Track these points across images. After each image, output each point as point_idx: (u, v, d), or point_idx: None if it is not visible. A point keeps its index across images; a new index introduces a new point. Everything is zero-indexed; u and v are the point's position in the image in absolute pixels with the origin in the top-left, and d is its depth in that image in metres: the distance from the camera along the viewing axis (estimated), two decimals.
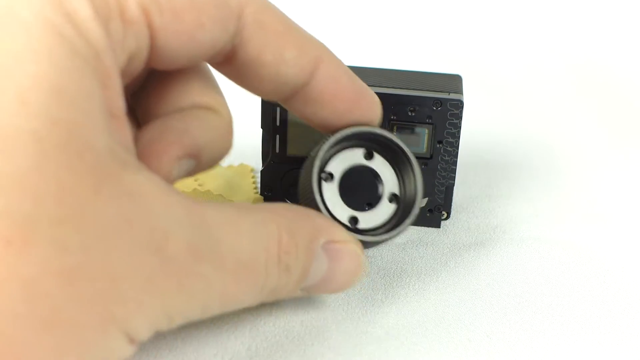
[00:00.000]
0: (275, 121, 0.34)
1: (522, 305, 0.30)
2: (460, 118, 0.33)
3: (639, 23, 0.63)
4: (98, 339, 0.19)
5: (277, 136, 0.34)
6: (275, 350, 0.26)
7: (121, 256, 0.19)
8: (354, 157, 0.28)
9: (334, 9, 0.65)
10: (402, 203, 0.28)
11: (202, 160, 0.25)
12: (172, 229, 0.20)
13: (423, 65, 0.46)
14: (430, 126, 0.33)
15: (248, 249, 0.22)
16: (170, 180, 0.23)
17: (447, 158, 0.34)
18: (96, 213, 0.18)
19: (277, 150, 0.34)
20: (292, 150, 0.34)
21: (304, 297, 0.26)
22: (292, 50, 0.24)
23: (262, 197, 0.36)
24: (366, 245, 0.27)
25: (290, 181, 0.35)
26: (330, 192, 0.28)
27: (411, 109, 0.33)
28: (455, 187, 0.35)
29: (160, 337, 0.27)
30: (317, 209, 0.27)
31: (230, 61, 0.25)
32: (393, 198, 0.28)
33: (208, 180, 0.37)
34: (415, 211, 0.28)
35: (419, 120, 0.33)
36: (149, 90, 0.26)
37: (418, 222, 0.35)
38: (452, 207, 0.36)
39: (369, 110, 0.27)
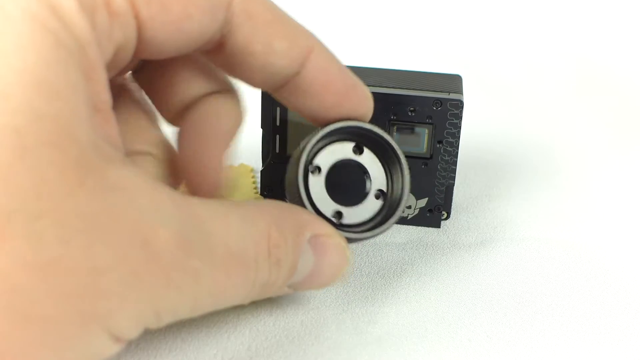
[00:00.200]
0: (275, 121, 0.34)
1: (522, 305, 0.30)
2: (460, 118, 0.33)
3: (639, 23, 0.63)
4: (78, 335, 0.19)
5: (277, 136, 0.34)
6: (275, 350, 0.26)
7: (103, 250, 0.18)
8: (343, 151, 0.28)
9: (334, 9, 0.65)
10: (389, 200, 0.28)
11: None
12: (160, 222, 0.20)
13: (423, 65, 0.46)
14: (430, 126, 0.33)
15: (238, 242, 0.22)
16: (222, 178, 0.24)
17: (447, 158, 0.34)
18: (77, 206, 0.18)
19: (277, 150, 0.34)
20: (292, 150, 0.34)
21: (290, 293, 0.26)
22: (282, 40, 0.24)
23: (262, 197, 0.36)
24: (349, 241, 0.27)
25: None
26: (317, 186, 0.27)
27: (411, 109, 0.33)
28: (455, 187, 0.35)
29: (160, 337, 0.27)
30: (301, 202, 0.26)
31: (220, 50, 0.24)
32: (380, 195, 0.28)
33: None
34: (400, 210, 0.27)
35: (419, 120, 0.33)
36: (155, 84, 0.26)
37: (418, 222, 0.35)
38: (452, 207, 0.36)
39: (359, 104, 0.27)
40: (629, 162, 0.43)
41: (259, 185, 0.37)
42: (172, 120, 0.27)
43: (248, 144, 0.36)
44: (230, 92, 0.27)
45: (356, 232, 0.27)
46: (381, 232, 0.27)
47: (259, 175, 0.37)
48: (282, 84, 0.26)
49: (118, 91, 0.26)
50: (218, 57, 0.25)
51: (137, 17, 0.21)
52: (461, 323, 0.29)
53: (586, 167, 0.42)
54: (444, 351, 0.27)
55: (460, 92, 0.33)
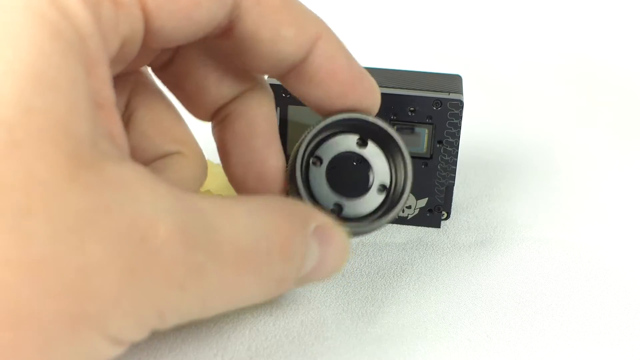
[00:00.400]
0: None
1: (522, 305, 0.30)
2: (460, 118, 0.33)
3: (639, 23, 0.63)
4: (67, 337, 0.18)
5: None
6: (275, 350, 0.26)
7: (96, 247, 0.17)
8: (347, 143, 0.27)
9: (334, 9, 0.65)
10: (391, 194, 0.27)
11: None
12: (160, 216, 0.18)
13: (423, 65, 0.46)
14: (430, 126, 0.33)
15: (247, 237, 0.21)
16: None
17: (447, 158, 0.34)
18: (69, 203, 0.17)
19: None
20: (292, 150, 0.34)
21: (294, 288, 0.26)
22: (290, 27, 0.24)
23: None
24: (351, 234, 0.26)
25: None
26: (317, 177, 0.27)
27: (411, 109, 0.33)
28: (455, 187, 0.35)
29: (160, 337, 0.27)
30: (299, 194, 0.26)
31: (227, 36, 0.24)
32: (382, 189, 0.28)
33: (208, 180, 0.37)
34: (401, 204, 0.27)
35: (419, 120, 0.33)
36: (186, 84, 0.26)
37: (418, 222, 0.35)
38: (452, 207, 0.36)
39: (365, 96, 0.26)
40: (629, 162, 0.43)
41: None
42: (203, 117, 0.28)
43: None
44: (262, 87, 0.27)
45: (356, 225, 0.27)
46: (380, 226, 0.27)
47: None
48: (289, 70, 0.25)
49: (141, 91, 0.26)
50: (225, 43, 0.24)
51: (143, 8, 0.21)
52: (461, 323, 0.29)
53: (586, 167, 0.42)
54: (444, 351, 0.27)
55: (460, 92, 0.33)
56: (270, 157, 0.27)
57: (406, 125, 0.33)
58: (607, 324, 0.29)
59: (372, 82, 0.26)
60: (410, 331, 0.28)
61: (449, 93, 0.33)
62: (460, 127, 0.33)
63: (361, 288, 0.30)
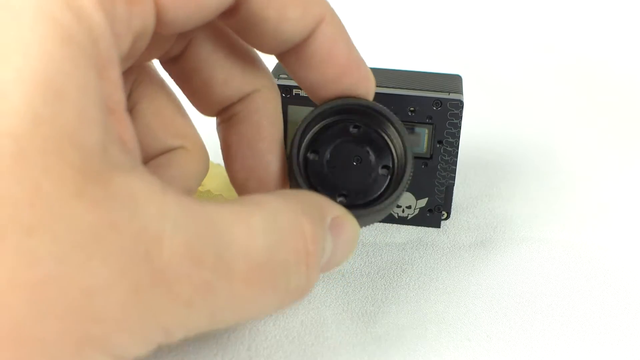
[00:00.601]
0: None
1: (522, 305, 0.30)
2: (460, 118, 0.33)
3: (639, 23, 0.63)
4: (71, 358, 0.17)
5: None
6: (275, 350, 0.26)
7: (101, 267, 0.17)
8: (343, 131, 0.27)
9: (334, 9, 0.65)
10: (395, 174, 0.27)
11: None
12: (167, 231, 0.18)
13: (423, 65, 0.46)
14: (430, 126, 0.33)
15: (264, 248, 0.20)
16: None
17: (447, 158, 0.34)
18: (74, 219, 0.17)
19: None
20: None
21: None
22: (296, 8, 0.23)
23: None
24: (361, 222, 0.26)
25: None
26: (319, 171, 0.27)
27: (411, 109, 0.33)
28: (455, 187, 0.35)
29: None
30: (309, 187, 0.26)
31: (232, 15, 0.23)
32: (385, 170, 0.27)
33: (208, 180, 0.37)
34: (406, 180, 0.26)
35: (419, 120, 0.33)
36: (194, 80, 0.26)
37: (418, 222, 0.35)
38: (452, 207, 0.36)
39: (359, 82, 0.26)
40: (629, 162, 0.43)
41: None
42: (209, 114, 0.27)
43: None
44: (271, 90, 0.27)
45: (366, 212, 0.26)
46: (391, 204, 0.26)
47: None
48: (289, 49, 0.25)
49: (147, 85, 0.26)
50: (229, 21, 0.24)
51: (157, 1, 0.20)
52: (461, 323, 0.29)
53: (586, 167, 0.42)
54: (444, 351, 0.27)
55: (460, 92, 0.33)
56: (273, 162, 0.27)
57: (406, 125, 0.33)
58: (607, 324, 0.29)
59: (368, 70, 0.26)
60: (410, 331, 0.28)
61: (449, 93, 0.33)
62: (460, 127, 0.33)
63: (361, 288, 0.30)
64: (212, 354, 0.26)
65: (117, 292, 0.17)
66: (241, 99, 0.27)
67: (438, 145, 0.33)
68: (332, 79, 0.25)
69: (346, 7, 0.65)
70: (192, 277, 0.18)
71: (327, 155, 0.27)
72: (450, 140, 0.33)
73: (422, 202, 0.35)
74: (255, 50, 0.26)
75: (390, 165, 0.27)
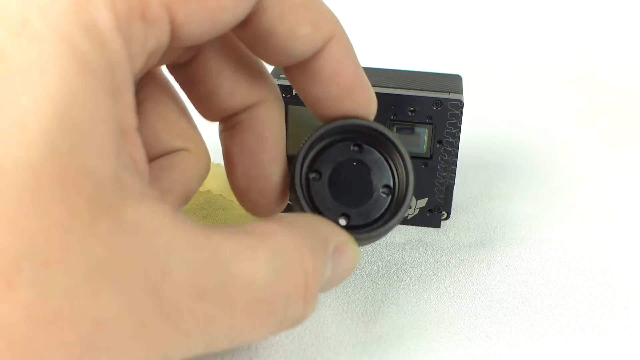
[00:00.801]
0: None
1: (522, 305, 0.30)
2: (460, 118, 0.33)
3: (639, 23, 0.63)
4: None
5: None
6: (275, 350, 0.26)
7: (110, 300, 0.18)
8: (344, 151, 0.27)
9: (334, 9, 0.65)
10: (396, 196, 0.27)
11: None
12: (172, 266, 0.19)
13: (423, 65, 0.46)
14: (430, 126, 0.33)
15: (266, 282, 0.20)
16: None
17: (447, 158, 0.34)
18: (87, 252, 0.17)
19: None
20: (292, 150, 0.34)
21: None
22: (306, 26, 0.24)
23: None
24: (361, 242, 0.26)
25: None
26: (320, 191, 0.27)
27: (411, 109, 0.33)
28: (455, 187, 0.35)
29: None
30: (313, 211, 0.26)
31: (243, 28, 0.23)
32: (387, 191, 0.27)
33: (208, 180, 0.37)
34: (407, 204, 0.27)
35: (419, 120, 0.33)
36: (200, 87, 0.26)
37: (418, 222, 0.35)
38: (452, 207, 0.36)
39: (361, 104, 0.26)
40: (629, 162, 0.43)
41: None
42: (212, 120, 0.27)
43: None
44: (275, 100, 0.27)
45: (366, 232, 0.27)
46: (391, 228, 0.27)
47: None
48: (295, 64, 0.25)
49: (152, 85, 0.26)
50: (239, 33, 0.24)
51: (172, 21, 0.20)
52: (461, 323, 0.29)
53: (586, 167, 0.42)
54: (444, 351, 0.27)
55: (460, 92, 0.33)
56: (275, 174, 0.27)
57: (406, 125, 0.33)
58: (607, 324, 0.29)
59: (371, 92, 0.27)
60: (410, 331, 0.28)
61: (449, 93, 0.33)
62: (460, 127, 0.33)
63: (361, 288, 0.30)
64: (212, 353, 0.26)
65: (124, 325, 0.18)
66: (245, 109, 0.27)
67: (438, 145, 0.33)
68: (335, 97, 0.26)
69: (346, 7, 0.65)
70: (195, 310, 0.19)
71: (328, 174, 0.27)
72: (450, 140, 0.33)
73: (422, 202, 0.35)
74: (261, 61, 0.27)
75: (392, 186, 0.27)
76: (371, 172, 0.27)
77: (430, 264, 0.32)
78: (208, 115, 0.27)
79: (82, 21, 0.18)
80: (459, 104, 0.32)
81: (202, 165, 0.27)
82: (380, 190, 0.27)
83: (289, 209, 0.28)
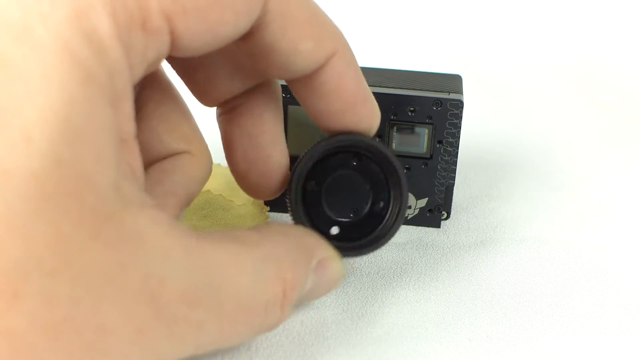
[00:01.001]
0: None
1: (522, 305, 0.30)
2: (460, 118, 0.33)
3: (639, 23, 0.63)
4: None
5: None
6: (275, 350, 0.26)
7: (111, 308, 0.18)
8: (344, 163, 0.28)
9: (334, 9, 0.65)
10: (389, 213, 0.28)
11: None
12: (169, 275, 0.19)
13: (423, 65, 0.46)
14: (430, 126, 0.33)
15: (249, 290, 0.22)
16: None
17: (447, 158, 0.34)
18: (90, 262, 0.18)
19: None
20: (292, 150, 0.34)
21: None
22: (309, 41, 0.24)
23: None
24: (351, 254, 0.27)
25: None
26: (316, 201, 0.28)
27: (411, 109, 0.33)
28: (455, 187, 0.35)
29: None
30: (300, 220, 0.27)
31: (245, 41, 0.24)
32: (380, 208, 0.28)
33: (208, 180, 0.37)
34: (396, 228, 0.27)
35: (419, 120, 0.33)
36: (195, 74, 0.26)
37: (418, 222, 0.35)
38: (452, 207, 0.36)
39: (364, 118, 0.26)
40: (629, 162, 0.43)
41: None
42: (210, 105, 0.28)
43: None
44: (272, 84, 0.27)
45: (353, 247, 0.27)
46: (379, 247, 0.28)
47: None
48: (297, 79, 0.25)
49: (153, 87, 0.26)
50: (240, 46, 0.24)
51: (172, 32, 0.20)
52: (461, 323, 0.29)
53: (586, 167, 0.42)
54: (444, 351, 0.27)
55: (460, 92, 0.33)
56: (275, 155, 0.27)
57: (406, 125, 0.33)
58: (607, 324, 0.29)
59: (375, 105, 0.27)
60: (410, 331, 0.28)
61: (449, 93, 0.33)
62: (460, 127, 0.33)
63: (361, 288, 0.31)
64: (212, 353, 0.26)
65: (124, 331, 0.19)
66: (244, 92, 0.27)
67: (438, 145, 0.33)
68: (338, 111, 0.26)
69: (347, 7, 0.65)
70: (189, 317, 0.20)
71: (326, 184, 0.27)
72: (450, 140, 0.33)
73: (422, 202, 0.35)
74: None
75: (386, 202, 0.28)
76: (368, 187, 0.28)
77: (430, 264, 0.32)
78: (206, 100, 0.27)
79: (83, 29, 0.18)
80: (459, 104, 0.32)
81: (204, 168, 0.27)
82: (375, 205, 0.28)
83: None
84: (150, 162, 0.26)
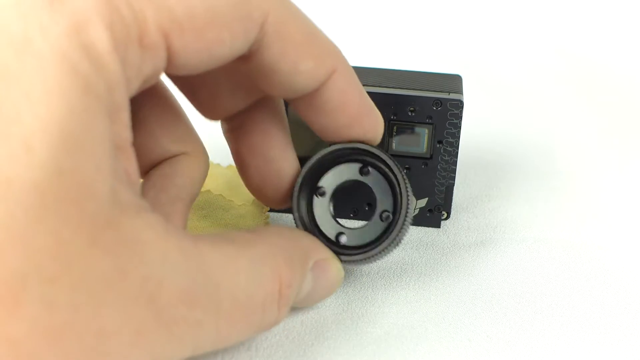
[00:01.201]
0: None
1: (522, 305, 0.30)
2: (460, 118, 0.33)
3: (639, 23, 0.63)
4: None
5: None
6: (275, 350, 0.26)
7: (111, 311, 0.19)
8: (350, 171, 0.28)
9: (334, 9, 0.65)
10: (394, 222, 0.28)
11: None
12: (166, 276, 0.20)
13: (423, 65, 0.46)
14: (430, 126, 0.33)
15: (246, 289, 0.22)
16: None
17: (447, 158, 0.34)
18: (89, 268, 0.18)
19: None
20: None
21: None
22: (308, 61, 0.24)
23: None
24: (353, 264, 0.27)
25: None
26: (321, 207, 0.28)
27: (411, 109, 0.33)
28: (455, 187, 0.35)
29: None
30: (304, 225, 0.27)
31: (245, 61, 0.24)
32: (384, 217, 0.28)
33: (208, 180, 0.37)
34: (401, 237, 0.28)
35: (419, 120, 0.33)
36: (199, 92, 0.26)
37: (418, 222, 0.35)
38: (452, 207, 0.36)
39: (369, 129, 0.27)
40: (629, 162, 0.43)
41: None
42: (214, 119, 0.28)
43: None
44: (276, 99, 0.28)
45: (355, 255, 0.27)
46: (380, 257, 0.28)
47: None
48: (299, 97, 0.26)
49: (148, 90, 0.26)
50: (241, 67, 0.24)
51: (169, 48, 0.21)
52: (461, 323, 0.29)
53: (586, 167, 0.42)
54: (444, 351, 0.27)
55: (460, 92, 0.33)
56: (285, 168, 0.28)
57: (406, 125, 0.33)
58: (607, 324, 0.29)
59: (378, 115, 0.27)
60: (410, 331, 0.28)
61: (449, 93, 0.33)
62: (460, 127, 0.33)
63: (361, 288, 0.31)
64: (212, 353, 0.26)
65: (124, 334, 0.19)
66: (247, 107, 0.27)
67: (438, 145, 0.33)
68: (342, 125, 0.26)
69: (347, 7, 0.65)
70: (187, 317, 0.20)
71: (332, 194, 0.27)
72: (450, 140, 0.33)
73: (422, 202, 0.35)
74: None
75: (390, 212, 0.28)
76: (373, 195, 0.28)
77: (430, 264, 0.32)
78: (209, 116, 0.28)
79: (82, 42, 0.18)
80: (459, 104, 0.32)
81: (202, 167, 0.27)
82: (379, 215, 0.28)
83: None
84: (148, 166, 0.26)
